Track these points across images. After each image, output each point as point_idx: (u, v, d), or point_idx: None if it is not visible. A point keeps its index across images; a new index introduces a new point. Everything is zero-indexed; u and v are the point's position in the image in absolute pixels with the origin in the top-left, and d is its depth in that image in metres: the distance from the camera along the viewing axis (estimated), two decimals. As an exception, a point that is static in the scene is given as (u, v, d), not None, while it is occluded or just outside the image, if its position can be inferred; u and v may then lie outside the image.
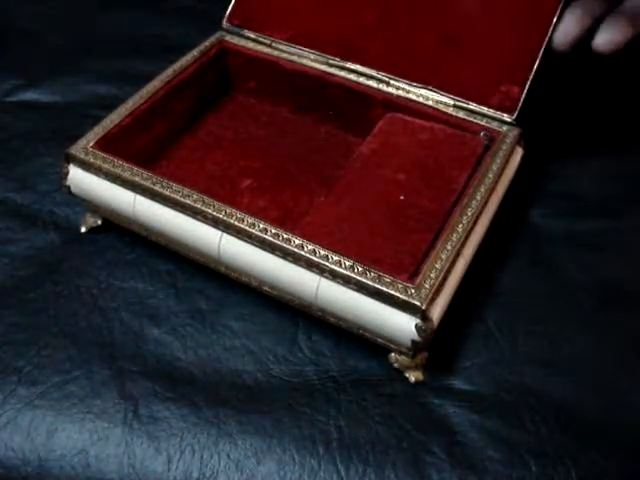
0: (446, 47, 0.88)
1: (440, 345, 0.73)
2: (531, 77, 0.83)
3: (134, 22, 1.24)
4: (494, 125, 0.83)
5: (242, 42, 0.95)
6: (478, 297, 0.80)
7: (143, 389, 0.71)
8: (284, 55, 0.93)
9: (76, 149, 0.79)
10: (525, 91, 0.83)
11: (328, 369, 0.73)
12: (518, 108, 0.83)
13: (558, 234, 0.87)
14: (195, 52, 0.94)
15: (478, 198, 0.74)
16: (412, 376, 0.72)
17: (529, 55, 0.84)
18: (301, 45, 0.93)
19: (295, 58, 0.92)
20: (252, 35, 0.95)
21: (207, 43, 0.95)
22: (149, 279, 0.81)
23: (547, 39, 0.84)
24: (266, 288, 0.74)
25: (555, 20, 0.84)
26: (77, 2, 1.30)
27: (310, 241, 0.68)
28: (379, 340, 0.70)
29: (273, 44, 0.94)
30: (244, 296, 0.79)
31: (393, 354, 0.71)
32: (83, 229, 0.86)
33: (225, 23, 0.97)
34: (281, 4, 0.96)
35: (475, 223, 0.73)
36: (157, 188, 0.74)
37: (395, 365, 0.71)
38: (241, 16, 0.97)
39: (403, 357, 0.70)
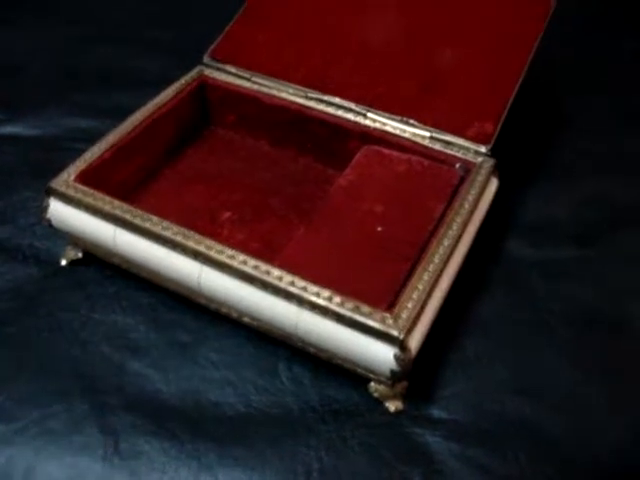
0: (423, 85, 0.90)
1: (419, 374, 0.74)
2: (504, 114, 0.86)
3: (115, 56, 1.25)
4: (469, 156, 0.84)
5: (222, 76, 0.97)
6: (456, 326, 0.81)
7: (124, 423, 0.71)
8: (263, 89, 0.94)
9: (57, 183, 0.80)
10: (499, 127, 0.85)
11: (308, 399, 0.74)
12: (493, 140, 0.84)
13: (534, 262, 0.89)
14: (175, 86, 0.95)
15: (454, 228, 0.75)
16: (392, 405, 0.72)
17: (503, 94, 0.87)
18: (280, 79, 0.94)
19: (274, 92, 0.93)
20: (232, 69, 0.97)
21: (187, 77, 0.96)
22: (130, 312, 0.82)
23: (521, 78, 0.87)
24: (246, 319, 0.75)
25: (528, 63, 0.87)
26: (58, 36, 1.31)
27: (289, 273, 0.69)
28: (359, 370, 0.71)
29: (252, 78, 0.95)
30: (225, 327, 0.79)
31: (373, 384, 0.72)
32: (64, 262, 0.86)
33: (206, 58, 0.98)
34: (263, 40, 0.98)
35: (452, 253, 0.74)
36: (137, 221, 0.75)
37: (375, 395, 0.72)
38: (224, 51, 0.98)
39: (383, 387, 0.71)
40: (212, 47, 0.99)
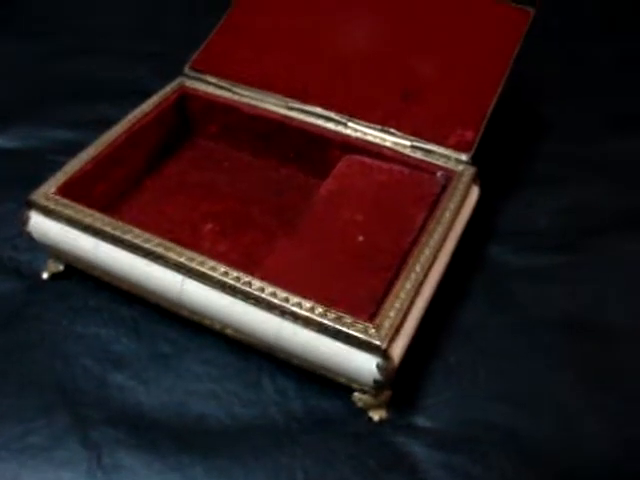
0: (403, 94, 0.90)
1: (403, 383, 0.74)
2: (485, 122, 0.86)
3: (96, 67, 1.24)
4: (450, 165, 0.85)
5: (203, 87, 0.96)
6: (439, 334, 0.81)
7: (107, 437, 0.71)
8: (244, 99, 0.94)
9: (37, 195, 0.79)
10: (479, 135, 0.86)
11: (293, 410, 0.73)
12: (473, 148, 0.85)
13: (516, 269, 0.89)
14: (156, 97, 0.95)
15: (436, 237, 0.75)
16: (376, 415, 0.72)
17: (483, 102, 0.87)
18: (261, 89, 0.94)
19: (255, 102, 0.93)
20: (213, 80, 0.97)
21: (168, 88, 0.96)
22: (112, 324, 0.81)
23: (501, 86, 0.88)
24: (229, 331, 0.74)
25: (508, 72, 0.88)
26: (39, 47, 1.30)
27: (270, 284, 0.69)
28: (342, 380, 0.71)
29: (234, 89, 0.95)
30: (207, 339, 0.79)
31: (356, 393, 0.71)
32: (45, 275, 0.86)
33: (187, 68, 0.98)
34: (244, 51, 0.98)
35: (434, 261, 0.74)
36: (118, 234, 0.74)
37: (359, 404, 0.72)
38: (205, 62, 0.98)
39: (366, 396, 0.71)
40: (193, 58, 0.99)
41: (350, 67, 0.93)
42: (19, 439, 0.70)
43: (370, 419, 0.72)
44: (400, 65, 0.92)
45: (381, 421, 0.72)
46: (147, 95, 0.95)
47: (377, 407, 0.72)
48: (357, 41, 0.95)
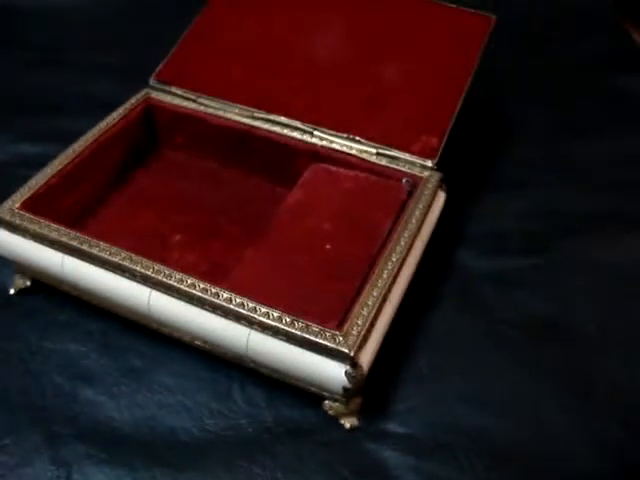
0: (368, 102, 0.91)
1: (374, 390, 0.74)
2: (449, 128, 0.87)
3: (60, 80, 1.24)
4: (416, 171, 0.85)
5: (168, 98, 0.96)
6: (409, 339, 0.81)
7: (77, 453, 0.70)
8: (210, 110, 0.94)
9: (2, 211, 0.79)
10: (444, 141, 0.86)
11: (263, 420, 0.73)
12: (438, 154, 0.86)
13: (484, 273, 0.90)
14: (121, 109, 0.94)
15: (402, 243, 0.76)
16: (347, 422, 0.72)
17: (447, 109, 0.88)
18: (226, 100, 0.94)
19: (221, 113, 0.93)
20: (178, 91, 0.96)
21: (133, 100, 0.96)
22: (81, 339, 0.81)
23: (464, 92, 0.89)
24: (198, 343, 0.74)
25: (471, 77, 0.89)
26: (5, 61, 1.29)
27: (238, 294, 0.69)
28: (312, 388, 0.71)
29: (199, 99, 0.95)
30: (177, 352, 0.79)
31: (327, 402, 0.72)
32: (12, 291, 0.85)
33: (152, 80, 0.98)
34: (209, 61, 0.98)
35: (401, 268, 0.75)
36: (84, 248, 0.74)
37: (330, 412, 0.72)
38: (170, 73, 0.98)
39: (337, 404, 0.71)
40: (157, 69, 0.98)
41: (315, 75, 0.94)
42: (-13, 458, 0.70)
43: (341, 427, 0.72)
44: (364, 73, 0.93)
45: (353, 428, 0.72)
46: (112, 107, 0.95)
47: (348, 415, 0.72)
48: (322, 50, 0.96)
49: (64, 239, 0.75)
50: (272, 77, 0.95)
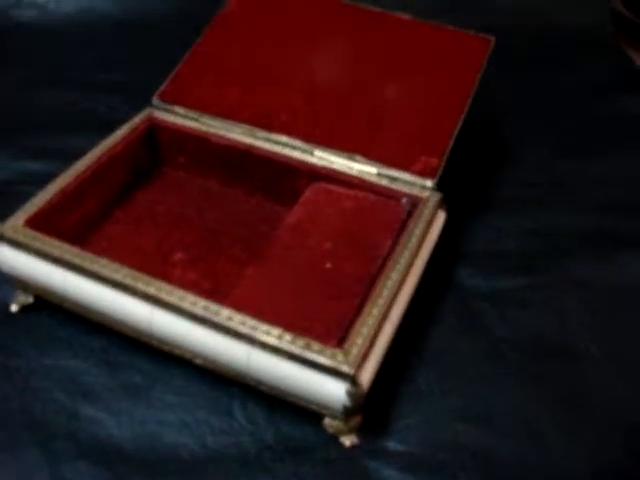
0: (368, 123, 0.92)
1: (373, 408, 0.75)
2: (449, 148, 0.88)
3: (64, 98, 1.25)
4: (416, 191, 0.86)
5: (171, 118, 0.97)
6: (408, 358, 0.82)
7: (78, 470, 0.70)
8: (212, 130, 0.95)
9: (6, 228, 0.79)
10: (444, 161, 0.87)
11: (264, 438, 0.74)
12: (438, 174, 0.86)
13: (483, 292, 0.91)
14: (125, 128, 0.95)
15: (402, 262, 0.77)
16: (347, 440, 0.73)
17: (447, 129, 0.89)
18: (228, 119, 0.95)
19: (222, 132, 0.94)
20: (181, 111, 0.97)
21: (136, 119, 0.97)
22: (82, 356, 0.81)
23: (464, 112, 0.90)
24: (199, 360, 0.75)
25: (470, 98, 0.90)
26: (5, 78, 1.30)
27: (239, 312, 0.69)
28: (312, 406, 0.71)
29: (201, 119, 0.96)
30: (178, 369, 0.79)
31: (327, 419, 0.72)
32: (14, 308, 0.85)
33: (155, 99, 0.99)
34: (211, 82, 0.99)
35: (400, 287, 0.75)
36: (86, 265, 0.75)
37: (330, 430, 0.72)
38: (172, 93, 0.99)
39: (337, 422, 0.71)
40: (161, 89, 0.99)
41: (316, 95, 0.95)
42: (-13, 475, 0.70)
43: (341, 445, 0.73)
44: (365, 94, 0.94)
45: (352, 446, 0.73)
46: (116, 126, 0.96)
47: (348, 432, 0.72)
48: (323, 70, 0.97)
49: (66, 256, 0.76)
50: (273, 97, 0.96)
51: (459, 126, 0.89)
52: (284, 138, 0.92)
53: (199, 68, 1.01)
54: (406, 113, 0.92)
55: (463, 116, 0.90)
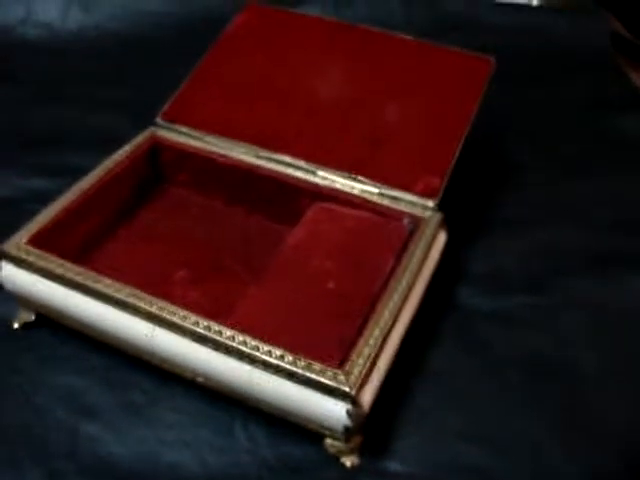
0: (370, 143, 0.92)
1: (374, 428, 0.75)
2: (451, 168, 0.88)
3: (67, 116, 1.25)
4: (417, 211, 0.86)
5: (174, 136, 0.98)
6: (409, 377, 0.82)
7: (78, 488, 0.70)
8: (215, 149, 0.95)
9: (9, 246, 0.80)
10: (445, 181, 0.88)
11: (264, 457, 0.74)
12: (440, 195, 0.87)
13: (486, 311, 0.91)
14: (128, 147, 0.96)
15: (404, 282, 0.77)
16: (348, 461, 0.73)
17: (448, 149, 0.90)
18: (232, 138, 0.96)
19: (225, 151, 0.95)
20: (184, 130, 0.98)
21: (140, 138, 0.97)
22: (83, 374, 0.81)
23: (465, 132, 0.91)
24: (200, 379, 0.75)
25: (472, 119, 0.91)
26: (10, 95, 1.31)
27: (241, 332, 0.70)
28: (313, 426, 0.71)
29: (204, 138, 0.97)
30: (179, 387, 0.79)
31: (328, 440, 0.72)
32: (16, 325, 0.86)
33: (159, 119, 1.00)
34: (214, 101, 1.00)
35: (402, 307, 0.76)
36: (89, 283, 0.75)
37: (331, 450, 0.72)
38: (176, 112, 1.00)
39: (338, 442, 0.71)
40: (164, 108, 1.00)
41: (318, 116, 0.96)
42: (-13, 493, 0.70)
43: (342, 465, 0.73)
44: (367, 114, 0.95)
45: (353, 467, 0.73)
46: (119, 143, 0.96)
47: (349, 453, 0.72)
48: (325, 91, 0.98)
49: (69, 274, 0.76)
50: (276, 116, 0.97)
51: (460, 146, 0.90)
52: (287, 158, 0.93)
53: (202, 87, 1.01)
54: (408, 133, 0.92)
55: (464, 136, 0.91)
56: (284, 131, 0.95)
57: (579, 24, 1.53)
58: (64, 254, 0.80)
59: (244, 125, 0.97)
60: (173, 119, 0.99)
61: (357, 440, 0.72)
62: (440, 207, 0.87)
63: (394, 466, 0.74)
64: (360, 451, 0.73)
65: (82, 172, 0.91)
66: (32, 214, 0.84)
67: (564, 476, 0.73)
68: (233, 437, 0.75)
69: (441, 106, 0.94)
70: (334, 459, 0.73)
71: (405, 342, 0.77)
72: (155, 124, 1.00)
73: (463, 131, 0.91)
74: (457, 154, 0.89)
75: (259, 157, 0.94)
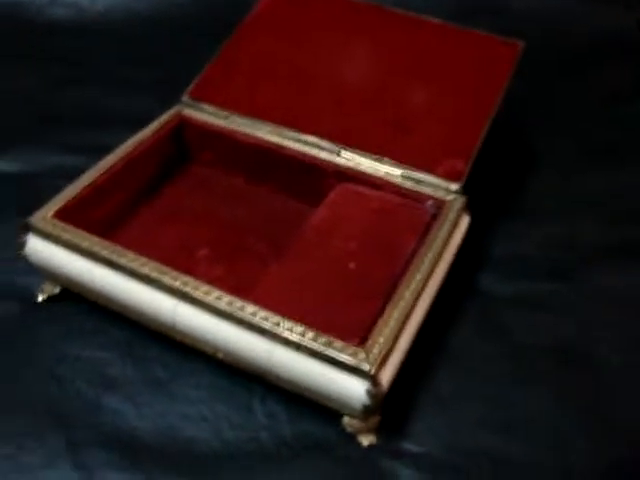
0: (395, 125, 0.92)
1: (393, 408, 0.75)
2: (475, 152, 0.88)
3: (94, 95, 1.26)
4: (440, 194, 0.86)
5: (200, 115, 0.98)
6: (429, 360, 0.82)
7: (98, 459, 0.71)
8: (240, 128, 0.96)
9: (36, 219, 0.81)
10: (469, 165, 0.87)
11: (282, 434, 0.74)
12: (464, 178, 0.87)
13: (507, 297, 0.90)
14: (154, 125, 0.96)
15: (426, 264, 0.77)
16: (365, 440, 0.73)
17: (473, 132, 0.89)
18: (257, 118, 0.96)
19: (250, 131, 0.95)
20: (210, 109, 0.99)
21: (166, 116, 0.98)
22: (106, 347, 0.82)
23: (491, 116, 0.90)
24: (221, 355, 0.75)
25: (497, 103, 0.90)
26: (38, 75, 1.33)
27: (263, 308, 0.70)
28: (332, 405, 0.72)
29: (230, 117, 0.97)
30: (200, 363, 0.80)
31: (346, 418, 0.72)
32: (40, 298, 0.87)
33: (185, 97, 1.00)
34: (240, 81, 1.00)
35: (423, 288, 0.76)
36: (114, 257, 0.76)
37: (348, 429, 0.73)
38: (202, 91, 1.00)
39: (356, 421, 0.72)
40: (190, 87, 1.01)
41: (343, 97, 0.95)
42: (10, 458, 0.71)
43: (359, 444, 0.73)
44: (393, 95, 0.94)
45: (370, 446, 0.73)
46: (144, 122, 0.97)
47: (366, 432, 0.73)
48: (351, 72, 0.97)
49: (95, 248, 0.77)
50: (301, 97, 0.97)
51: (486, 130, 0.89)
52: (311, 138, 0.93)
53: (228, 67, 1.01)
54: (433, 116, 0.92)
55: (490, 120, 0.90)
56: (309, 111, 0.95)
57: (608, 10, 1.51)
58: (89, 229, 0.80)
59: (269, 105, 0.97)
60: (199, 98, 1.00)
61: (375, 419, 0.72)
62: (464, 191, 0.87)
63: (411, 447, 0.74)
64: (377, 431, 0.74)
65: (107, 150, 0.92)
66: (57, 190, 0.85)
67: (585, 465, 0.73)
68: (252, 413, 0.76)
69: (467, 89, 0.93)
70: (351, 438, 0.73)
71: (425, 325, 0.78)
72: (181, 102, 1.00)
73: (488, 115, 0.90)
74: (482, 138, 0.89)
75: (284, 137, 0.94)
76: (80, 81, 1.31)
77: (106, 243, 0.78)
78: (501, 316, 0.88)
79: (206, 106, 0.99)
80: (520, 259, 0.96)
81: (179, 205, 0.95)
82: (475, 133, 0.89)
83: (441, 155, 0.88)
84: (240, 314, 0.70)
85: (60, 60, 1.37)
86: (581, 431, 0.76)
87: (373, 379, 0.66)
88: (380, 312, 0.72)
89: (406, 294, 0.73)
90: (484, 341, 0.85)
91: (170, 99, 1.02)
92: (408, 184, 0.87)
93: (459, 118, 0.91)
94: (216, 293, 0.72)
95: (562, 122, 1.25)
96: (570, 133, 1.22)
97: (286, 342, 0.69)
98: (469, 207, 0.88)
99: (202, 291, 0.72)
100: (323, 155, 0.91)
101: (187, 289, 0.72)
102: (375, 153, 0.90)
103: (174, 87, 1.03)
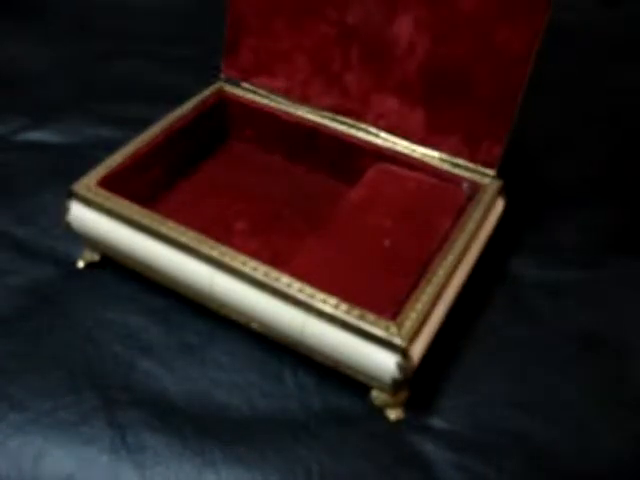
0: (432, 108, 0.91)
1: (421, 385, 0.76)
2: (508, 135, 0.86)
3: (135, 70, 1.29)
4: (476, 177, 0.87)
5: (241, 92, 1.00)
6: (458, 340, 0.83)
7: (131, 418, 0.73)
8: (281, 106, 0.97)
9: (79, 186, 0.83)
10: (503, 147, 0.87)
11: (311, 405, 0.76)
12: (498, 163, 0.87)
13: (537, 282, 0.91)
14: (196, 100, 0.98)
15: (459, 244, 0.78)
16: (392, 414, 0.74)
17: (506, 116, 0.87)
18: (296, 99, 0.97)
19: (291, 110, 0.97)
20: (250, 87, 1.00)
21: (207, 92, 1.00)
22: (143, 313, 0.84)
23: (519, 101, 0.87)
24: (255, 325, 0.77)
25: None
26: (82, 48, 1.35)
27: (298, 280, 0.71)
28: (362, 378, 0.73)
29: (270, 96, 0.99)
30: (233, 332, 0.81)
31: (375, 392, 0.74)
32: (81, 264, 0.89)
33: (223, 74, 1.02)
34: (281, 60, 1.00)
35: (456, 268, 0.77)
36: (154, 226, 0.78)
37: (376, 403, 0.74)
38: (235, 68, 1.01)
39: (384, 395, 0.73)
40: (222, 65, 1.02)
41: (385, 86, 0.95)
42: (48, 414, 0.73)
43: (387, 418, 0.74)
44: (428, 86, 0.93)
45: (397, 420, 0.74)
46: (184, 98, 0.99)
47: (394, 406, 0.74)
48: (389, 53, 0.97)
49: (135, 217, 0.79)
50: (342, 82, 0.96)
51: (518, 105, 0.85)
52: (350, 119, 0.94)
53: (271, 47, 1.02)
54: (468, 99, 0.91)
55: (520, 99, 0.86)
56: (348, 94, 0.95)
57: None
58: (130, 199, 0.82)
59: (309, 85, 0.97)
60: (237, 75, 1.01)
61: (403, 394, 0.74)
62: (500, 174, 0.87)
63: (438, 423, 0.75)
64: (405, 406, 0.75)
65: (147, 124, 0.94)
66: (97, 161, 0.87)
67: (608, 446, 0.74)
68: (282, 383, 0.78)
69: (496, 68, 0.87)
70: (379, 411, 0.75)
71: (456, 305, 0.79)
72: (222, 79, 1.02)
73: (518, 96, 0.85)
74: (514, 119, 0.86)
75: (324, 116, 0.95)
76: (122, 56, 1.34)
77: (146, 212, 0.80)
78: (530, 301, 0.89)
79: (247, 84, 1.00)
80: (554, 245, 0.96)
81: (218, 180, 0.97)
82: (508, 115, 0.86)
83: (477, 141, 0.88)
84: (275, 284, 0.72)
85: (103, 35, 1.40)
86: (604, 416, 0.77)
87: (404, 353, 0.67)
88: (413, 289, 0.73)
89: (439, 272, 0.74)
90: (513, 324, 0.86)
91: (207, 76, 1.03)
92: (444, 166, 0.88)
93: (492, 100, 0.88)
94: (253, 264, 0.73)
95: (603, 110, 1.24)
96: (610, 122, 1.21)
97: (319, 313, 0.70)
98: (505, 191, 0.89)
99: (239, 261, 0.74)
100: (362, 136, 0.93)
101: (224, 259, 0.74)
102: (412, 136, 0.91)
103: (211, 64, 1.05)
